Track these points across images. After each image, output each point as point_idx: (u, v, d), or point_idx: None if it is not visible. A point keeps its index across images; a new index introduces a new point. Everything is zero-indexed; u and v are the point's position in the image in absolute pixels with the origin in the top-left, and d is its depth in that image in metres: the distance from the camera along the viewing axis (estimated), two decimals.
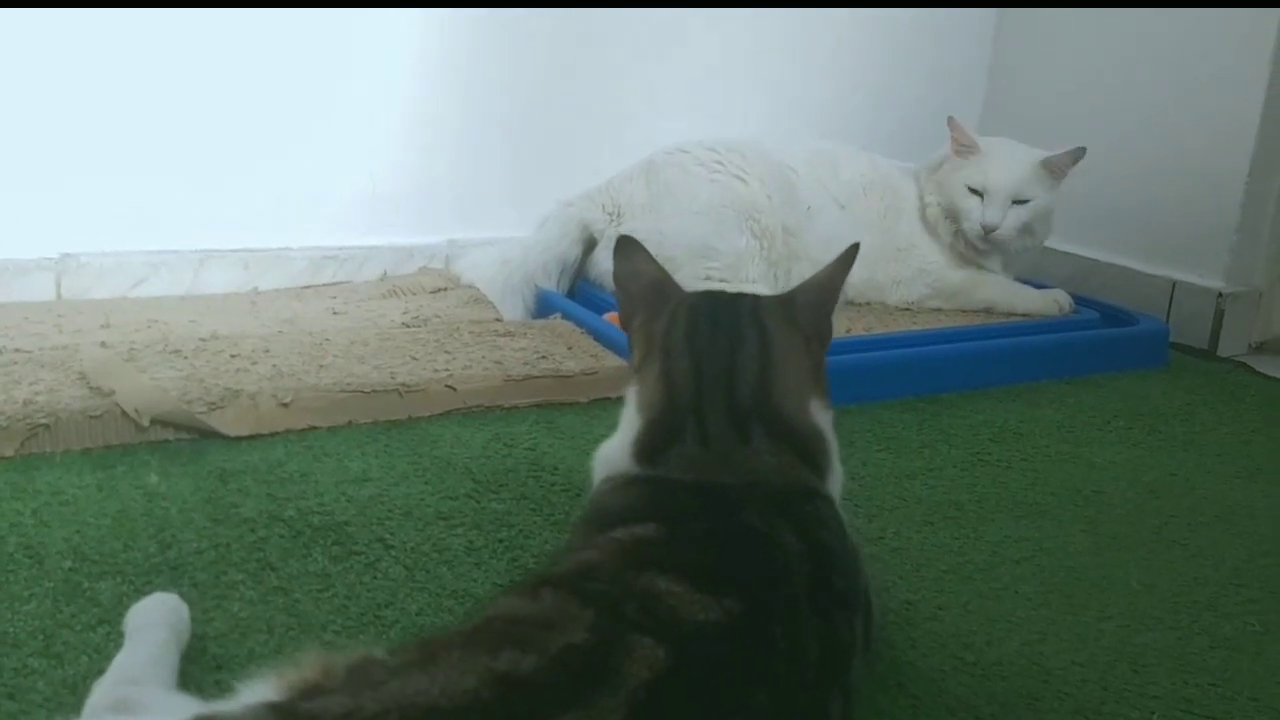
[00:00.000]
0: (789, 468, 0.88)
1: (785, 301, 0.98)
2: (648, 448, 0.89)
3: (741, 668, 0.67)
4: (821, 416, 0.94)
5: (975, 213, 2.02)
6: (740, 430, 0.88)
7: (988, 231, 2.01)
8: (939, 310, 2.12)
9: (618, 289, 0.99)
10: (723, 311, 0.95)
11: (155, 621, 0.94)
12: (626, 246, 1.00)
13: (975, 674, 1.01)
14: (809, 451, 0.91)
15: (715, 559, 0.74)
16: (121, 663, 0.87)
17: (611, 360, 1.70)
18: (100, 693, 0.81)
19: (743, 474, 0.86)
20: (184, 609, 0.98)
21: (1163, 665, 1.04)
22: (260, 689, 0.63)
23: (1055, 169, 2.02)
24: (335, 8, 1.99)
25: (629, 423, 0.93)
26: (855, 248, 1.01)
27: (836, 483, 0.93)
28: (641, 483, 0.87)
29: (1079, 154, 2.00)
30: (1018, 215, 2.02)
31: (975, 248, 2.09)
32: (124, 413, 1.38)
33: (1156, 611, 1.14)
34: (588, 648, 0.63)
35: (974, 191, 2.03)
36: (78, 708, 0.84)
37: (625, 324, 1.00)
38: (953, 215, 2.08)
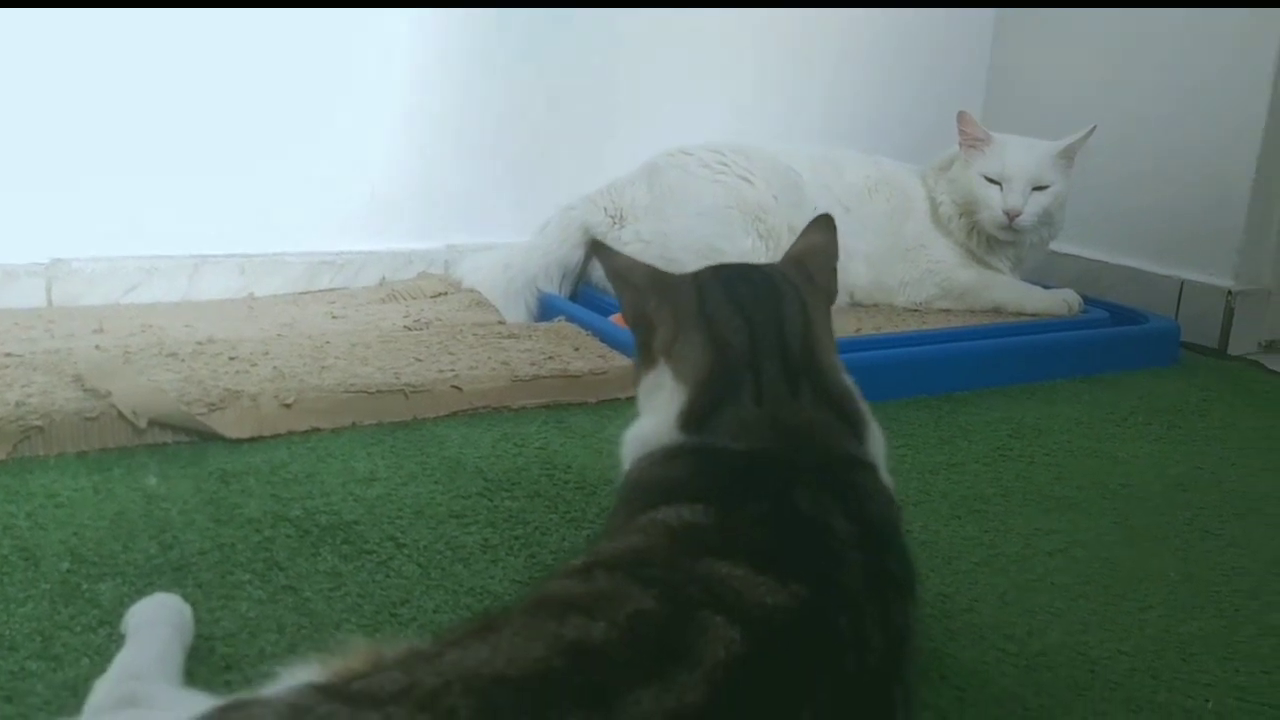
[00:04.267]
0: (831, 428, 0.85)
1: (798, 262, 0.97)
2: (698, 411, 0.85)
3: (812, 655, 0.63)
4: (846, 377, 0.92)
5: (996, 201, 1.99)
6: (792, 384, 0.85)
7: (1012, 218, 1.98)
8: (948, 311, 2.08)
9: (617, 283, 0.96)
10: (752, 273, 0.94)
11: (158, 619, 0.90)
12: (602, 248, 0.99)
13: (1019, 665, 0.96)
14: (845, 411, 0.87)
15: (772, 545, 0.70)
16: (125, 659, 0.82)
17: (619, 360, 1.66)
18: (104, 689, 0.76)
19: (790, 435, 0.82)
20: (187, 609, 0.93)
21: (1211, 654, 1.00)
22: (303, 673, 0.59)
23: (1069, 154, 2.01)
24: (332, 7, 1.96)
25: (668, 399, 0.88)
26: (829, 216, 1.01)
27: (878, 445, 0.89)
28: (687, 454, 0.82)
29: (1088, 133, 1.99)
30: (1039, 201, 1.99)
31: (991, 242, 2.06)
32: (120, 414, 1.33)
33: (1198, 601, 1.10)
34: (659, 618, 0.59)
35: (992, 181, 2.01)
36: (78, 710, 0.79)
37: (636, 314, 0.95)
38: (969, 209, 2.05)
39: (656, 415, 0.88)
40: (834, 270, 0.98)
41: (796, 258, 0.98)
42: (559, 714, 0.53)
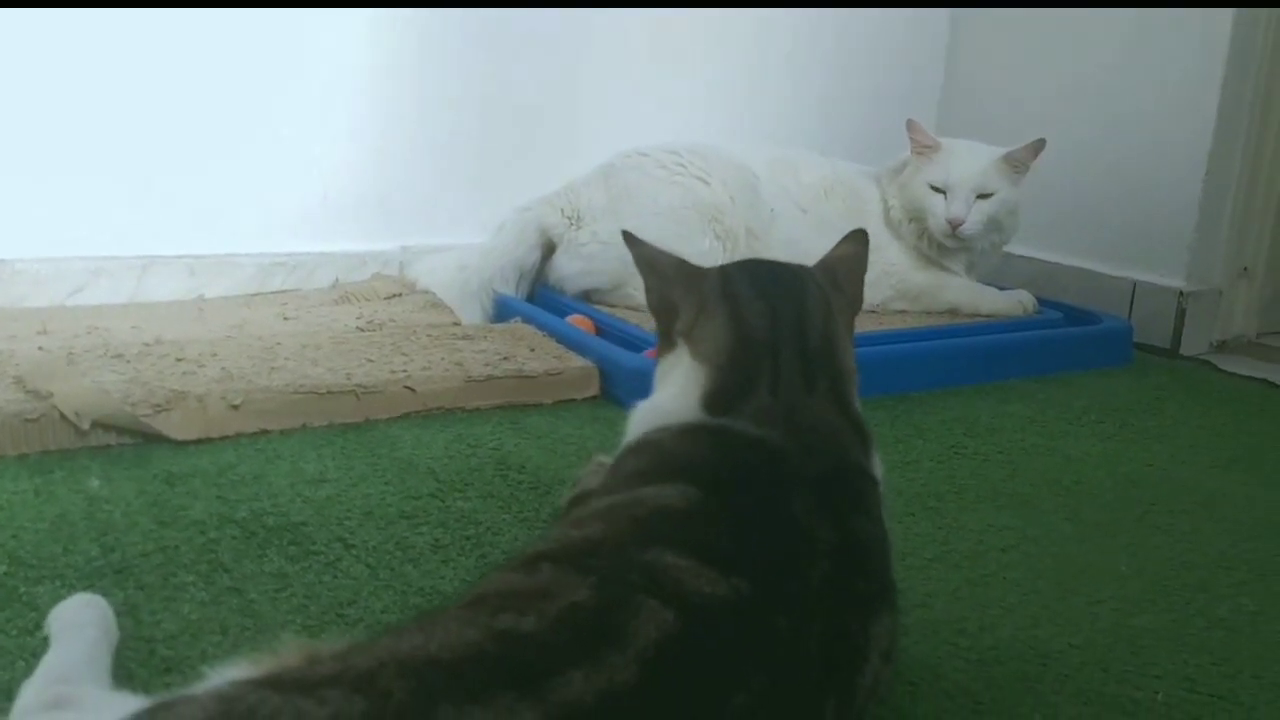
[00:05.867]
0: (844, 433, 0.85)
1: (827, 268, 0.97)
2: (724, 394, 0.84)
3: (745, 646, 0.63)
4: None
5: (940, 209, 2.00)
6: (808, 377, 0.85)
7: (954, 227, 1.99)
8: (904, 312, 2.09)
9: (645, 270, 0.95)
10: (778, 266, 0.94)
11: (84, 621, 0.88)
12: (632, 238, 0.98)
13: (971, 659, 0.96)
14: (857, 419, 0.87)
15: (733, 542, 0.70)
16: (52, 662, 0.80)
17: (575, 361, 1.65)
18: (32, 692, 0.74)
19: (804, 433, 0.81)
20: (110, 611, 0.91)
21: (1161, 646, 1.00)
22: (233, 674, 0.58)
23: (1016, 163, 2.01)
24: (285, 7, 1.93)
25: (686, 376, 0.87)
26: (864, 231, 1.00)
27: (879, 466, 0.89)
28: (706, 434, 0.82)
29: (1039, 146, 1.99)
30: (982, 209, 2.00)
31: (942, 247, 2.07)
32: (63, 416, 1.30)
33: (1149, 595, 1.11)
34: (592, 605, 0.59)
35: (937, 189, 2.01)
36: (5, 714, 0.77)
37: (661, 300, 0.95)
38: (917, 216, 2.06)
39: (674, 390, 0.88)
40: (861, 280, 0.99)
41: (827, 264, 0.98)
42: (491, 694, 0.53)
